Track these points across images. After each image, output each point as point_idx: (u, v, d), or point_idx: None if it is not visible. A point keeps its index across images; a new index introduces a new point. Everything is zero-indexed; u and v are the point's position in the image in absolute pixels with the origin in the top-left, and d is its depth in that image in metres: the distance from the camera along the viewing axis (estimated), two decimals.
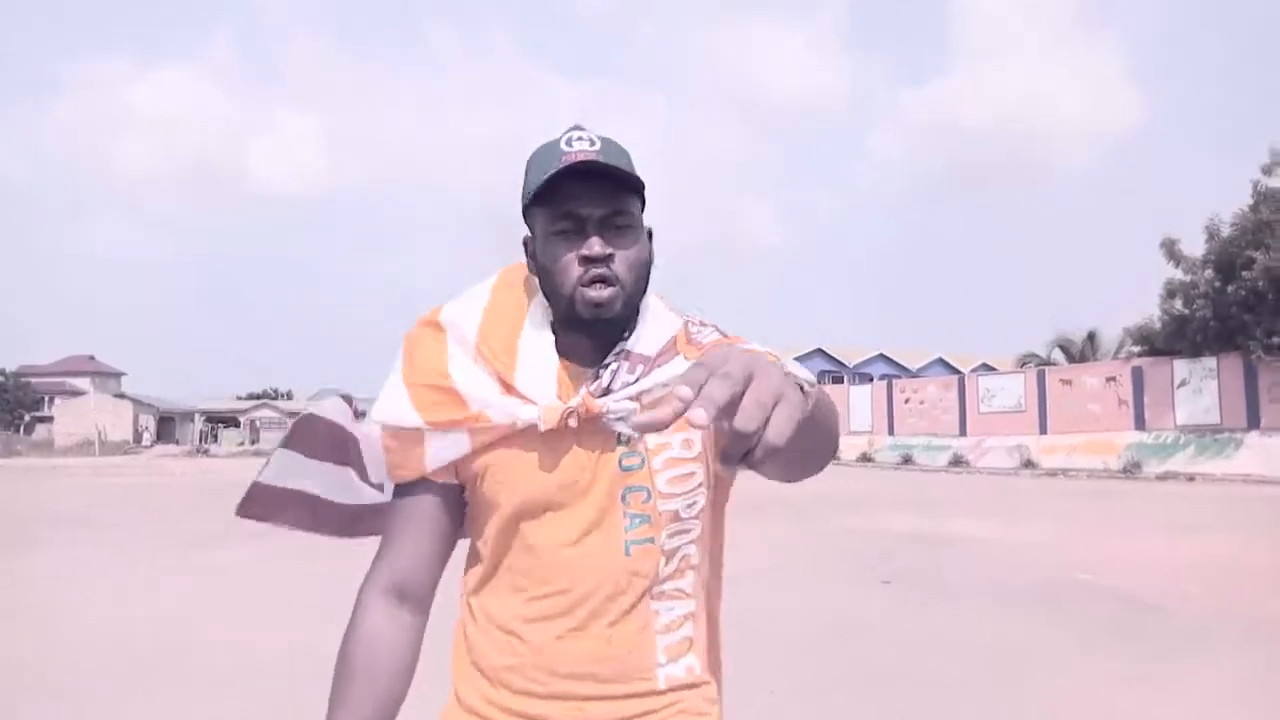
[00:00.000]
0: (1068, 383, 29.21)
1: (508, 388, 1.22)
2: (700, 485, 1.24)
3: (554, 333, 1.27)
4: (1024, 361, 35.93)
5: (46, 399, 62.36)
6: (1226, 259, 23.48)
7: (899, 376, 43.70)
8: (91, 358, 71.05)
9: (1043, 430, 29.25)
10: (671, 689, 1.23)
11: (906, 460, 31.68)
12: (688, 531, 1.24)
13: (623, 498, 1.22)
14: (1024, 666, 5.32)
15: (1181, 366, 25.41)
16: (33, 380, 62.71)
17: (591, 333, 1.23)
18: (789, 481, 1.10)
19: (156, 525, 13.33)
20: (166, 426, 64.05)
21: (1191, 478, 22.80)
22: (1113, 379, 27.66)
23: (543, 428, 1.19)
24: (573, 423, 1.19)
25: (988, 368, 43.21)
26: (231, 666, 5.28)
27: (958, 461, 29.82)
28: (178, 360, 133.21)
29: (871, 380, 42.39)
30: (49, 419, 58.96)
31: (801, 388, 0.79)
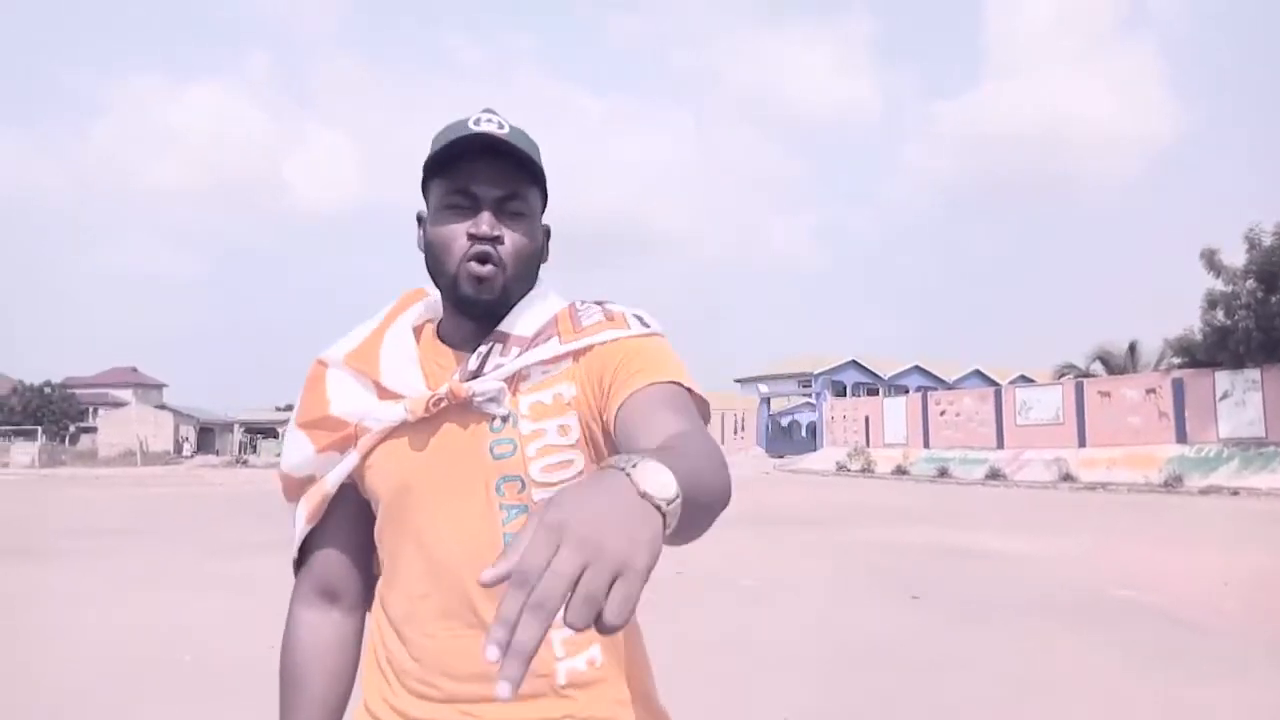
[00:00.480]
0: (1106, 394, 28.78)
1: (382, 390, 1.22)
2: (581, 473, 1.19)
3: (436, 322, 1.28)
4: (1062, 373, 35.48)
5: (90, 410, 63.41)
6: (1269, 269, 23.07)
7: (935, 388, 43.31)
8: (134, 369, 72.08)
9: (1081, 443, 28.82)
10: (572, 684, 1.16)
11: (942, 473, 31.30)
12: None
13: (497, 488, 1.17)
14: (1056, 687, 5.19)
15: (1224, 378, 24.94)
16: (77, 391, 63.72)
17: (472, 313, 1.22)
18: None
19: (189, 535, 13.45)
20: (206, 437, 64.83)
21: (1235, 492, 22.29)
22: (1153, 391, 27.22)
23: (411, 419, 1.18)
24: (443, 407, 1.19)
25: (1026, 379, 42.73)
26: (250, 673, 5.28)
27: (995, 475, 29.41)
28: (217, 372, 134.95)
29: (907, 392, 42.05)
30: (93, 429, 59.91)
31: (660, 508, 0.70)
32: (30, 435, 51.01)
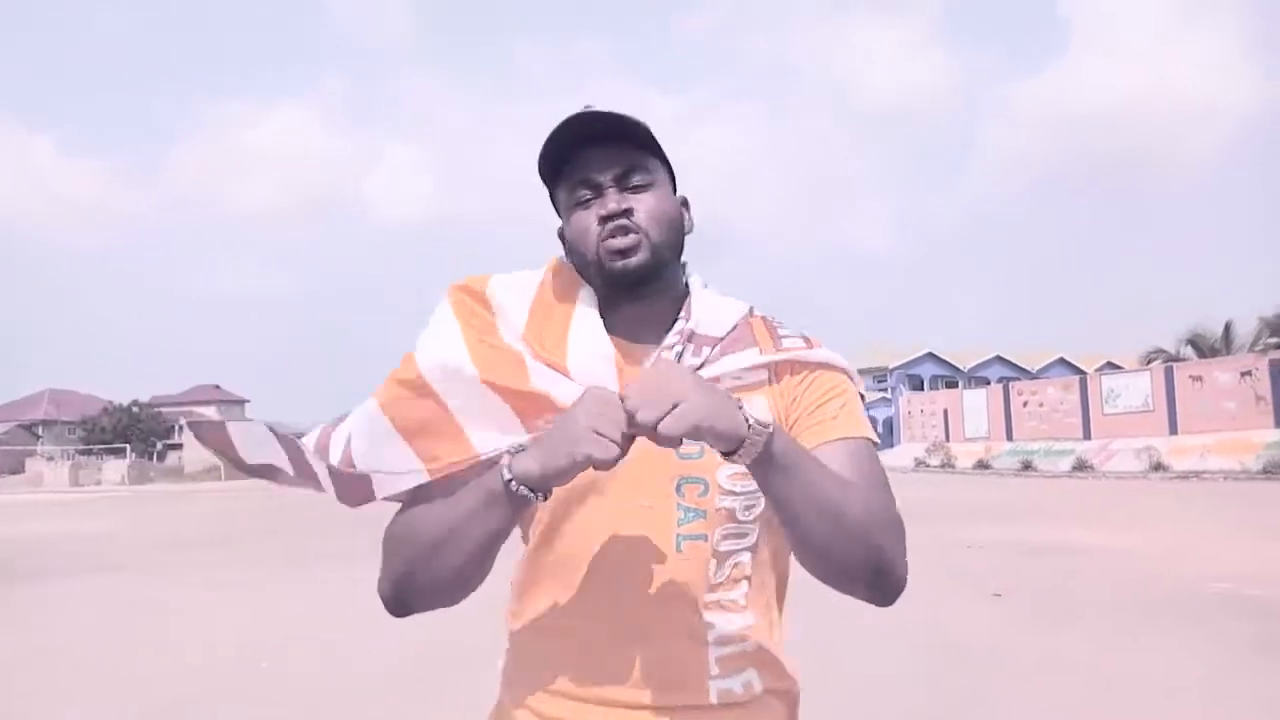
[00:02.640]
0: (1198, 379, 27.61)
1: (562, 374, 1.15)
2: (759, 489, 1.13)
3: (602, 315, 1.20)
4: (1150, 358, 34.22)
5: (176, 427, 65.27)
6: None
7: (1018, 379, 42.10)
8: (217, 387, 74.05)
9: (1173, 430, 27.70)
10: (724, 705, 1.13)
11: (1026, 466, 30.36)
12: (743, 536, 1.16)
13: (678, 488, 1.14)
14: (1146, 686, 4.81)
15: None
16: (163, 410, 65.67)
17: (623, 284, 1.16)
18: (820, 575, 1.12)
19: (269, 545, 13.56)
20: None
21: None
22: (1248, 373, 26.02)
23: None
24: None
25: (1114, 366, 41.33)
26: (340, 678, 5.17)
27: (1082, 466, 28.43)
28: (297, 387, 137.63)
29: (988, 384, 40.95)
30: (179, 446, 61.61)
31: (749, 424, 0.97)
32: (120, 453, 52.67)
